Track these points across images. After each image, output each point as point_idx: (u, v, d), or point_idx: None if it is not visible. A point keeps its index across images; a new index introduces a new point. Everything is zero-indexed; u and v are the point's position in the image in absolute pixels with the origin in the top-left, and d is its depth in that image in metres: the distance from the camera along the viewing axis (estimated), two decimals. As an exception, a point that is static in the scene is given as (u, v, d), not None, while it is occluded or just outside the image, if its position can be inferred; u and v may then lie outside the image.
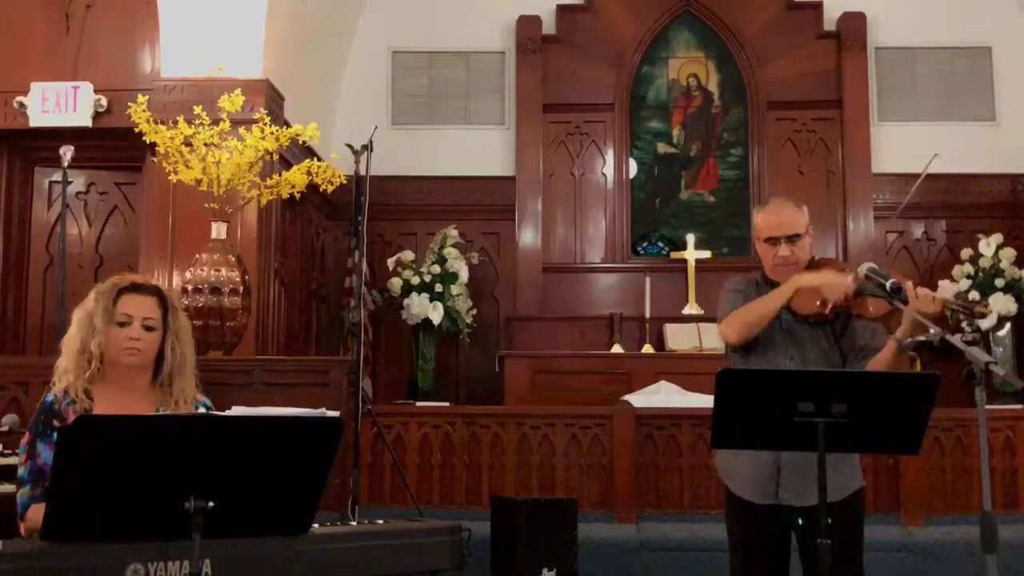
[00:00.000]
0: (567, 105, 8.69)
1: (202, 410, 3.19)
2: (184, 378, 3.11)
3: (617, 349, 7.91)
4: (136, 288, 3.07)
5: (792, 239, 3.40)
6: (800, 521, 3.25)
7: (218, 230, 5.75)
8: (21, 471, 2.95)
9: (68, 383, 3.00)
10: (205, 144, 5.64)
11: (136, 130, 5.73)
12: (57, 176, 6.59)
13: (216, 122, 5.62)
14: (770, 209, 3.51)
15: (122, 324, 3.02)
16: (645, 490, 5.98)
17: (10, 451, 4.36)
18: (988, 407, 2.76)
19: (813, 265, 3.44)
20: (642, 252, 8.73)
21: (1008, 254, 7.72)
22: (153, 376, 3.10)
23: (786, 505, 3.28)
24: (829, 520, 2.76)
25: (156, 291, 3.11)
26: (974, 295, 7.60)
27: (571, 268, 8.62)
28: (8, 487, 3.90)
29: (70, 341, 3.04)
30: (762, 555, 3.36)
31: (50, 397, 3.01)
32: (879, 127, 8.61)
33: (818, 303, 3.30)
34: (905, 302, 3.07)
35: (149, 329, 3.04)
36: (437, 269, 7.86)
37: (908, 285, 3.09)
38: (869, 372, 3.19)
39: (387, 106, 8.77)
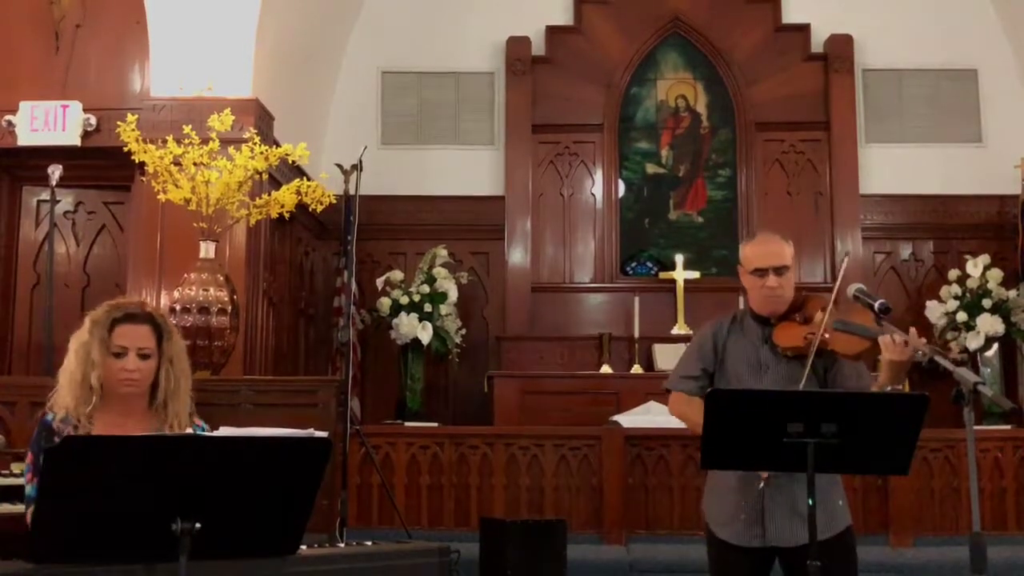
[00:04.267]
0: (556, 125, 8.71)
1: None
2: (179, 401, 3.11)
3: (606, 369, 7.90)
4: (131, 318, 3.06)
5: (780, 270, 3.40)
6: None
7: (206, 249, 5.75)
8: (28, 489, 2.96)
9: (69, 410, 3.00)
10: (194, 163, 5.64)
11: (125, 149, 5.73)
12: (45, 195, 6.59)
13: (205, 141, 5.62)
14: (758, 241, 3.52)
15: (118, 355, 3.02)
16: (634, 511, 5.97)
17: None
18: (976, 428, 2.77)
19: (798, 302, 3.44)
20: (631, 272, 8.74)
21: (995, 275, 7.76)
22: (150, 400, 3.10)
23: (773, 547, 3.27)
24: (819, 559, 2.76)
25: (150, 318, 3.09)
26: (961, 316, 7.63)
27: (560, 288, 8.62)
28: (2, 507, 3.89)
29: (69, 373, 3.03)
30: None
31: (49, 416, 3.01)
32: (866, 148, 8.65)
33: (803, 337, 3.30)
34: (889, 321, 3.09)
35: (144, 358, 3.04)
36: (426, 289, 7.85)
37: (883, 338, 3.11)
38: (859, 393, 3.19)
39: (376, 126, 8.79)
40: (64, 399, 3.02)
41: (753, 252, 3.47)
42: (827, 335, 3.24)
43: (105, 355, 3.00)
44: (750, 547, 3.28)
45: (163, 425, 3.09)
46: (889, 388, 3.11)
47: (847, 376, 3.36)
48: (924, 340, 3.16)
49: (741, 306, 3.91)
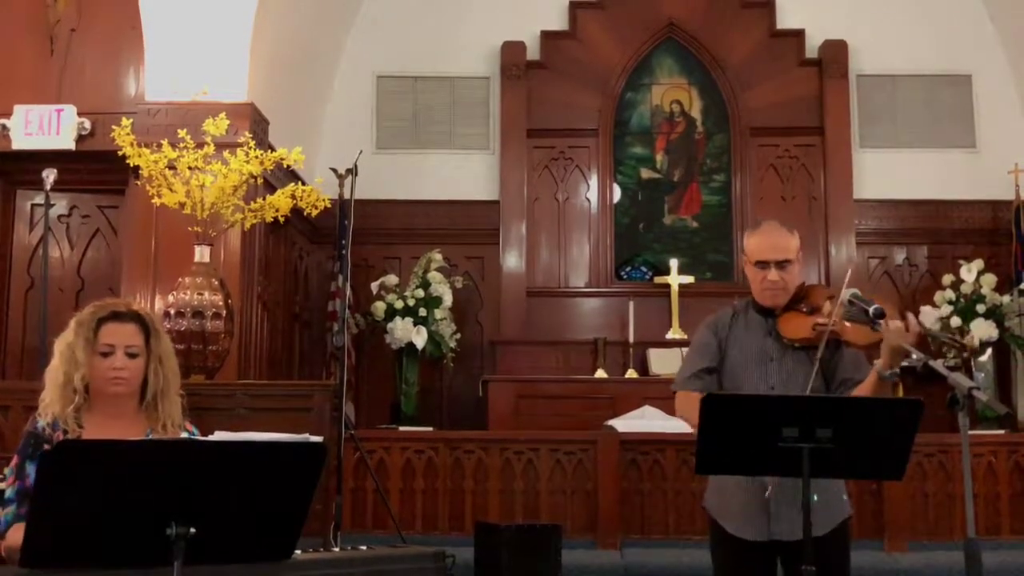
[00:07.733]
0: (551, 130, 8.72)
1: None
2: (169, 400, 3.10)
3: (601, 374, 7.90)
4: (117, 316, 3.04)
5: (782, 264, 3.36)
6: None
7: (201, 254, 5.73)
8: (8, 492, 2.94)
9: (55, 414, 2.98)
10: (189, 167, 5.63)
11: (120, 153, 5.71)
12: (39, 199, 6.58)
13: (200, 145, 5.61)
14: (762, 232, 3.46)
15: (105, 354, 3.00)
16: (629, 515, 5.96)
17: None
18: (971, 432, 2.76)
19: (801, 292, 3.42)
20: (625, 277, 8.74)
21: (989, 280, 7.78)
22: (140, 400, 3.09)
23: (777, 540, 3.26)
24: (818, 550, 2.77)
25: (137, 317, 3.07)
26: (955, 321, 7.64)
27: (555, 292, 8.62)
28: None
29: (53, 373, 3.02)
30: None
31: (40, 423, 2.99)
32: (861, 153, 8.67)
33: (812, 327, 3.28)
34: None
35: (132, 356, 3.02)
36: (421, 293, 7.85)
37: (891, 322, 3.08)
38: (854, 398, 3.17)
39: (371, 130, 8.79)
40: (50, 402, 3.01)
41: (756, 244, 3.42)
42: (839, 325, 3.22)
43: (91, 355, 2.98)
44: (756, 541, 3.27)
45: (156, 425, 3.07)
46: (888, 372, 3.09)
47: (845, 367, 3.32)
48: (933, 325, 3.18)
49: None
